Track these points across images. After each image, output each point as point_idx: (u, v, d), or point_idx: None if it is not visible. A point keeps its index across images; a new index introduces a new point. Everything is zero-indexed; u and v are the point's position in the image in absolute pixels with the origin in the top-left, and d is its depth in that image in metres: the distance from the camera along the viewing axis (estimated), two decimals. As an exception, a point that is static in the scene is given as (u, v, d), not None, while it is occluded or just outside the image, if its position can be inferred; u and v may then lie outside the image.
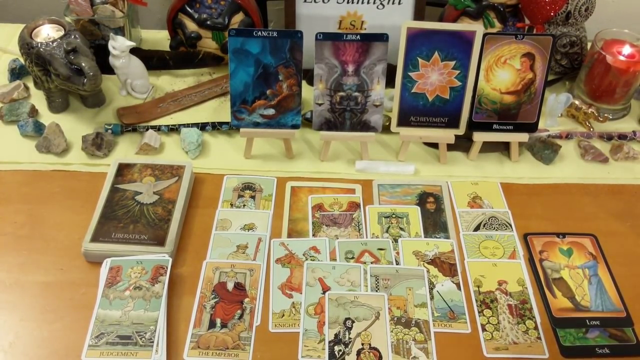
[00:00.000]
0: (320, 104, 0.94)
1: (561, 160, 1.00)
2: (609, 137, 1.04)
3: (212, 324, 0.76)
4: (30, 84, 1.09)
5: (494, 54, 0.92)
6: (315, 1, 1.08)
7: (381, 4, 1.08)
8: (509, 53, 0.92)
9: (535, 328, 0.77)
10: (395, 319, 0.77)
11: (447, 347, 0.75)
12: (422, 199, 0.93)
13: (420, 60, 0.92)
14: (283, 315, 0.77)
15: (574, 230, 0.89)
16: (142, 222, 0.84)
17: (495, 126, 0.97)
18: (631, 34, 1.06)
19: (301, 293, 0.80)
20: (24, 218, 0.88)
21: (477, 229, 0.89)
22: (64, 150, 0.97)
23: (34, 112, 1.03)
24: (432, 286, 0.81)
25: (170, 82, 1.13)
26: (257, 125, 0.95)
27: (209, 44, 1.11)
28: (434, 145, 1.01)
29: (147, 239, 0.82)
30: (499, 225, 0.90)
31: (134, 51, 1.07)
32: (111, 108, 1.06)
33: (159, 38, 1.22)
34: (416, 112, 0.96)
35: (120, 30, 1.10)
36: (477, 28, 0.90)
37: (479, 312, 0.79)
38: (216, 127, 1.01)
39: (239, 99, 0.94)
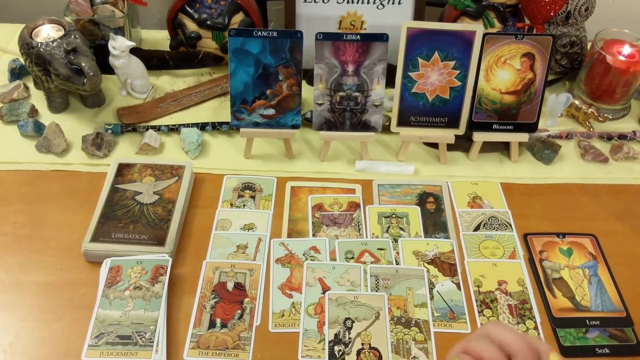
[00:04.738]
0: (320, 104, 0.94)
1: (561, 160, 1.00)
2: (609, 137, 1.04)
3: (212, 324, 0.76)
4: (30, 84, 1.09)
5: (494, 54, 0.92)
6: (315, 1, 1.08)
7: (381, 4, 1.08)
8: (509, 53, 0.92)
9: (535, 328, 0.77)
10: (395, 319, 0.77)
11: (447, 347, 0.74)
12: (422, 199, 0.93)
13: (420, 60, 0.92)
14: (283, 315, 0.77)
15: (574, 230, 0.89)
16: (142, 222, 0.84)
17: (495, 126, 0.97)
18: (631, 34, 1.06)
19: (301, 293, 0.80)
20: (24, 218, 0.88)
21: (477, 229, 0.89)
22: (64, 150, 0.97)
23: (34, 112, 1.03)
24: (432, 286, 0.81)
25: (170, 82, 1.13)
26: (257, 125, 0.95)
27: (209, 44, 1.11)
28: (434, 145, 1.01)
29: (147, 239, 0.82)
30: (499, 225, 0.90)
31: (134, 51, 1.07)
32: (111, 108, 1.06)
33: (159, 38, 1.22)
34: (416, 112, 0.96)
35: (120, 30, 1.10)
36: (477, 28, 0.90)
37: (479, 312, 0.79)
38: (216, 127, 1.01)
39: (239, 99, 0.94)
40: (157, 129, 1.01)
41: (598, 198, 0.95)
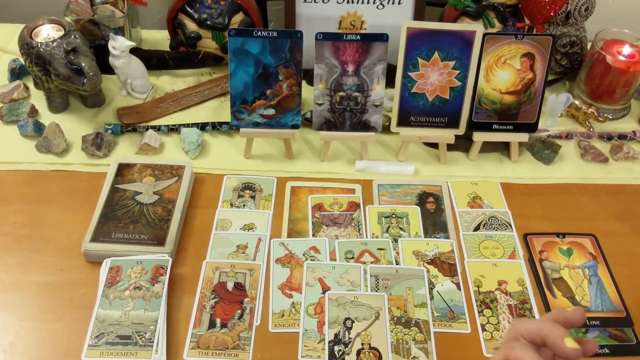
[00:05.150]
0: (320, 104, 0.94)
1: (561, 160, 1.00)
2: (609, 137, 1.04)
3: (212, 324, 0.76)
4: (30, 84, 1.09)
5: (494, 54, 0.92)
6: (315, 1, 1.08)
7: (381, 4, 1.09)
8: (508, 53, 0.92)
9: (535, 328, 0.77)
10: (395, 319, 0.77)
11: (447, 347, 0.75)
12: (422, 199, 0.93)
13: (420, 60, 0.92)
14: (283, 315, 0.77)
15: (574, 230, 0.89)
16: (142, 222, 0.84)
17: (495, 126, 0.97)
18: (631, 34, 1.06)
19: (301, 293, 0.80)
20: (24, 218, 0.88)
21: (477, 229, 0.89)
22: (64, 150, 0.97)
23: (34, 112, 1.03)
24: (432, 286, 0.81)
25: (170, 82, 1.13)
26: (257, 125, 0.95)
27: (209, 44, 1.11)
28: (434, 145, 1.01)
29: (147, 239, 0.82)
30: (499, 225, 0.90)
31: (134, 51, 1.07)
32: (111, 108, 1.06)
33: (159, 38, 1.22)
34: (416, 112, 0.96)
35: (120, 30, 1.10)
36: (477, 28, 0.90)
37: (478, 312, 0.79)
38: (216, 127, 1.01)
39: (239, 99, 0.94)
40: (157, 129, 1.01)
41: (598, 198, 0.95)
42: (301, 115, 0.96)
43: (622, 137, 1.04)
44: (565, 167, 0.99)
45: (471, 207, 0.92)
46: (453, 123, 0.97)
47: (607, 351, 0.75)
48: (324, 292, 0.79)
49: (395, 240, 0.87)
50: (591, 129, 1.06)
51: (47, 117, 1.04)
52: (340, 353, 0.73)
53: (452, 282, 0.82)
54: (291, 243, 0.86)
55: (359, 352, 0.73)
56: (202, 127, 1.01)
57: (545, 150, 0.99)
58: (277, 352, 0.74)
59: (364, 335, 0.75)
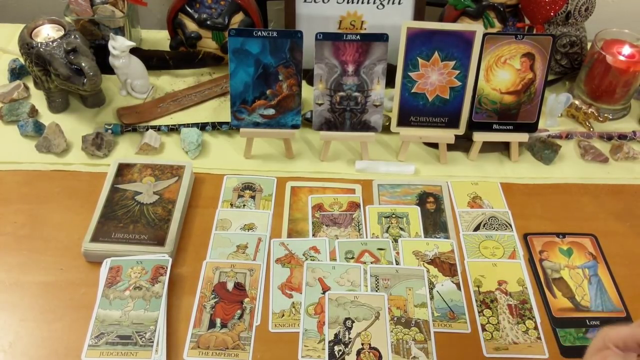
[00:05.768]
0: (320, 104, 0.94)
1: (561, 160, 1.00)
2: (609, 137, 1.04)
3: (212, 324, 0.76)
4: (30, 84, 1.09)
5: (494, 54, 0.92)
6: (315, 1, 1.08)
7: (381, 4, 1.09)
8: (508, 53, 0.92)
9: (535, 328, 0.77)
10: (395, 319, 0.77)
11: (447, 347, 0.75)
12: (422, 199, 0.93)
13: (420, 60, 0.92)
14: (283, 315, 0.77)
15: (574, 230, 0.89)
16: (142, 222, 0.84)
17: (495, 126, 0.97)
18: (631, 34, 1.06)
19: (301, 293, 0.80)
20: (24, 218, 0.88)
21: (477, 229, 0.89)
22: (64, 150, 0.97)
23: (34, 112, 1.03)
24: (432, 286, 0.81)
25: (170, 82, 1.13)
26: (257, 125, 0.95)
27: (209, 44, 1.11)
28: (434, 145, 1.01)
29: (147, 239, 0.82)
30: (499, 225, 0.90)
31: (134, 51, 1.07)
32: (111, 108, 1.06)
33: (159, 38, 1.22)
34: (416, 112, 0.96)
35: (120, 30, 1.10)
36: (477, 28, 0.90)
37: (478, 312, 0.79)
38: (216, 127, 1.01)
39: (239, 99, 0.94)
40: (157, 129, 1.01)
41: (598, 198, 0.95)
42: (301, 115, 0.96)
43: (622, 137, 1.04)
44: (565, 167, 0.99)
45: (471, 207, 0.92)
46: (453, 123, 0.97)
47: (607, 351, 0.75)
48: (324, 292, 0.79)
49: (395, 240, 0.87)
50: (591, 129, 1.06)
51: (47, 117, 1.04)
52: (340, 353, 0.73)
53: (452, 282, 0.82)
54: (291, 243, 0.86)
55: (359, 352, 0.73)
56: (202, 127, 1.01)
57: (545, 150, 0.99)
58: (277, 352, 0.74)
59: (364, 335, 0.75)
